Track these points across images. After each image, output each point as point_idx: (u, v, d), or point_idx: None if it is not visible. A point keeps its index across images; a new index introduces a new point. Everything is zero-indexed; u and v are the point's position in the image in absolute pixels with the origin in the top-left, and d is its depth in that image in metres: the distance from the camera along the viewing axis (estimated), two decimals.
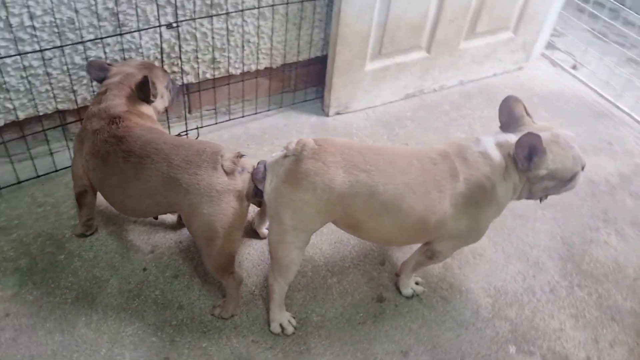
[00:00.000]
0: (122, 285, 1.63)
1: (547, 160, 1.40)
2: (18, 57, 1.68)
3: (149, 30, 1.83)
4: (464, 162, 1.45)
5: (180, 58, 1.95)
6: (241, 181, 1.45)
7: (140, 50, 1.87)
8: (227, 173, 1.43)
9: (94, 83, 1.86)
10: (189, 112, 2.17)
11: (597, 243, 1.97)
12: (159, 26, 1.81)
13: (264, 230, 1.81)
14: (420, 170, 1.42)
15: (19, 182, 1.87)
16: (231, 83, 2.14)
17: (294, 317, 1.60)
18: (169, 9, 1.82)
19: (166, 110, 1.85)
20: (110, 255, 1.71)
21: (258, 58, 2.13)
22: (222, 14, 1.92)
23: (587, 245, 1.96)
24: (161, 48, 1.88)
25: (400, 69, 2.36)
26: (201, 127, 2.15)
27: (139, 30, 1.81)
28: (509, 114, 1.49)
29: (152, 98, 1.64)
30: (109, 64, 1.67)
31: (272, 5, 2.00)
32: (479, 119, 2.43)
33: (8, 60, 1.68)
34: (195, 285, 1.66)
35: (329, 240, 1.84)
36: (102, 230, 1.78)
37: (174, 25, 1.83)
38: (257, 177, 1.46)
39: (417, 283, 1.72)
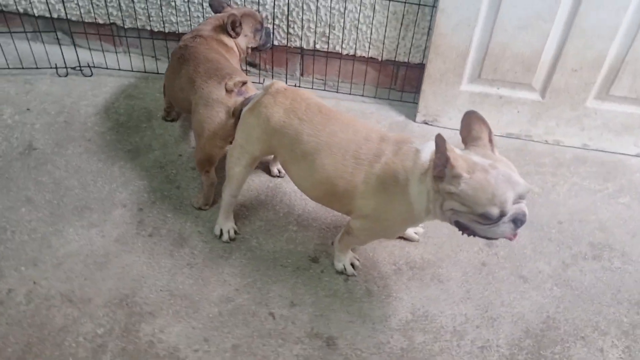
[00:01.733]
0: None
1: (460, 181, 1.33)
2: None
3: None
4: (396, 150, 1.49)
5: (288, 21, 2.37)
6: (233, 101, 1.80)
7: (265, 6, 2.36)
8: (226, 90, 1.80)
9: None
10: (302, 74, 2.57)
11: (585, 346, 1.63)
12: None
13: (274, 169, 2.10)
14: (348, 139, 1.53)
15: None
16: (343, 59, 2.45)
17: (236, 232, 1.87)
18: None
19: (259, 54, 2.31)
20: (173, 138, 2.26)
21: (369, 46, 2.38)
22: None
23: (571, 342, 1.64)
24: (274, 5, 2.33)
25: (504, 103, 2.28)
26: (299, 86, 2.52)
27: None
28: (468, 131, 1.45)
29: (232, 33, 2.10)
30: (227, 4, 2.21)
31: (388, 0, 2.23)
32: (570, 186, 2.16)
33: None
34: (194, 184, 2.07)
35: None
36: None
37: None
38: (245, 103, 1.78)
39: (352, 264, 1.78)
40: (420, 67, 2.38)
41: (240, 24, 2.12)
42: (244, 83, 1.82)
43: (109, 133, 2.25)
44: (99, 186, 2.02)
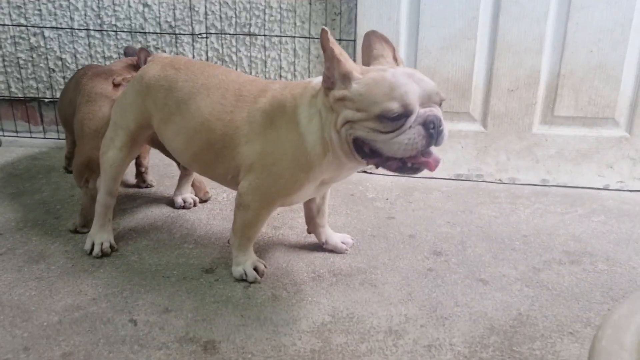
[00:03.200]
0: None
1: (352, 81, 1.08)
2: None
3: (193, 39, 2.25)
4: (285, 85, 1.24)
5: None
6: (118, 94, 1.58)
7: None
8: (114, 84, 1.59)
9: None
10: None
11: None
12: (192, 34, 2.21)
13: (179, 199, 1.77)
14: (231, 79, 1.29)
15: None
16: None
17: (112, 247, 1.46)
18: (213, 30, 2.23)
19: None
20: None
21: None
22: (247, 34, 2.20)
23: (555, 338, 1.16)
24: (193, 56, 2.25)
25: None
26: None
27: (171, 34, 2.25)
28: (369, 52, 1.22)
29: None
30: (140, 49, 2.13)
31: (310, 38, 2.17)
32: (533, 210, 1.82)
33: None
34: None
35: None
36: None
37: (203, 35, 2.20)
38: None
39: (256, 269, 1.35)
40: None
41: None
42: (128, 80, 1.62)
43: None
44: None
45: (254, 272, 1.33)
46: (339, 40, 2.17)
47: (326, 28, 1.07)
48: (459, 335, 1.15)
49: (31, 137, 2.41)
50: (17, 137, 2.40)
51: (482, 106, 2.03)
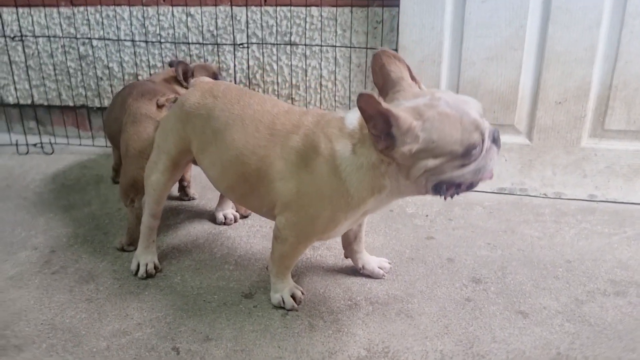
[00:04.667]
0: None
1: (416, 132, 1.05)
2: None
3: (235, 48, 2.27)
4: (317, 120, 1.24)
5: (250, 84, 2.29)
6: (164, 116, 1.61)
7: (229, 71, 2.31)
8: (157, 106, 1.63)
9: None
10: None
11: None
12: (233, 44, 2.23)
13: (220, 215, 1.80)
14: (265, 111, 1.29)
15: None
16: None
17: (156, 267, 1.52)
18: (254, 39, 2.24)
19: None
20: None
21: (335, 105, 2.24)
22: (288, 44, 2.20)
23: None
24: (234, 64, 2.27)
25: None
26: None
27: (213, 44, 2.27)
28: (384, 75, 1.20)
29: (184, 82, 2.01)
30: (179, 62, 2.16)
31: (351, 47, 2.15)
32: (579, 230, 1.77)
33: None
34: None
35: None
36: None
37: (244, 45, 2.21)
38: None
39: (293, 296, 1.37)
40: None
41: (193, 73, 2.04)
42: (177, 99, 1.65)
43: (48, 193, 2.04)
44: (16, 233, 1.74)
45: (292, 300, 1.36)
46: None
47: (371, 93, 1.01)
48: None
49: (80, 145, 2.50)
50: (68, 144, 2.50)
51: (527, 119, 1.97)
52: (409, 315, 1.34)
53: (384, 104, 1.02)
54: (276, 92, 2.30)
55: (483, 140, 1.05)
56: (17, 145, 2.46)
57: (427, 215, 1.88)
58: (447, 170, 1.08)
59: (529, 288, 1.46)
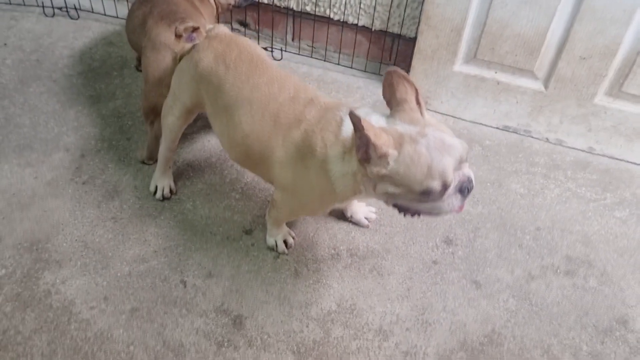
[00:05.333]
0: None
1: (388, 159, 1.13)
2: None
3: None
4: (319, 117, 1.30)
5: None
6: (181, 47, 1.65)
7: None
8: (175, 34, 1.65)
9: None
10: (292, 39, 2.39)
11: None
12: None
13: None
14: (271, 95, 1.35)
15: None
16: (331, 25, 2.26)
17: (172, 191, 1.73)
18: None
19: (245, 11, 2.15)
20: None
21: (359, 13, 2.18)
22: None
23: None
24: None
25: (501, 90, 2.02)
26: (285, 50, 2.35)
27: None
28: (391, 92, 1.24)
29: None
30: None
31: None
32: (562, 191, 1.89)
33: None
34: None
35: None
36: None
37: None
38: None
39: (285, 241, 1.60)
40: (415, 41, 2.15)
41: None
42: (196, 29, 1.66)
43: (77, 77, 2.16)
44: (49, 127, 1.93)
45: (283, 245, 1.60)
46: None
47: (355, 112, 1.09)
48: (434, 346, 1.43)
49: (105, 15, 2.50)
50: (92, 11, 2.50)
51: (548, 67, 1.93)
52: (380, 273, 1.59)
53: (369, 128, 1.10)
54: None
55: (446, 189, 1.14)
56: (43, 7, 2.47)
57: None
58: (406, 199, 1.19)
59: (492, 256, 1.66)
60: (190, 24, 1.65)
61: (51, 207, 1.67)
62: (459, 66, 2.04)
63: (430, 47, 2.02)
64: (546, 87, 1.97)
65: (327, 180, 1.28)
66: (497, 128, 2.12)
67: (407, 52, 2.22)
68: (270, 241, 1.61)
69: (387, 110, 1.25)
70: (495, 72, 2.01)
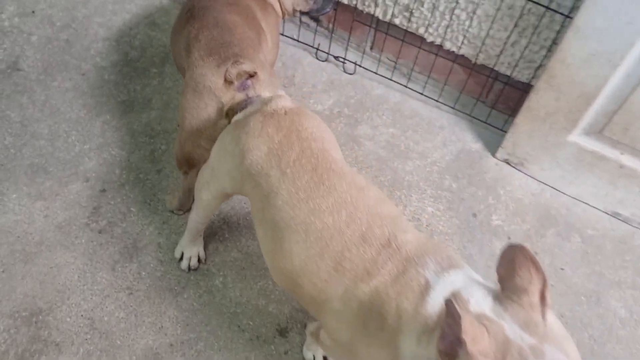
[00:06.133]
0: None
1: None
2: None
3: None
4: (398, 273, 0.96)
5: None
6: (230, 96, 1.29)
7: None
8: (225, 79, 1.28)
9: None
10: (371, 47, 1.96)
11: None
12: None
13: None
14: (336, 227, 1.01)
15: None
16: (424, 46, 1.81)
17: (200, 260, 1.45)
18: None
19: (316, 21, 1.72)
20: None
21: (462, 41, 1.72)
22: None
23: None
24: None
25: (623, 175, 1.60)
26: (360, 65, 1.92)
27: None
28: (510, 272, 0.88)
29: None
30: None
31: None
32: None
33: None
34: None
35: None
36: None
37: None
38: (244, 105, 1.27)
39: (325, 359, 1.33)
40: (526, 87, 1.71)
41: None
42: (252, 75, 1.29)
43: (110, 70, 1.82)
44: (70, 142, 1.63)
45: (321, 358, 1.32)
46: (546, 7, 1.50)
47: (454, 304, 0.77)
48: None
49: None
50: None
51: None
52: None
53: (467, 325, 0.78)
54: None
55: None
56: None
57: (509, 238, 1.63)
58: None
59: None
60: (246, 66, 1.28)
61: (59, 263, 1.41)
62: (576, 137, 1.60)
63: (546, 108, 1.58)
64: None
65: (392, 355, 0.97)
66: (605, 213, 1.71)
67: (511, 97, 1.78)
68: (309, 355, 1.33)
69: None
70: (621, 154, 1.57)
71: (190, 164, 1.42)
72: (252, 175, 1.09)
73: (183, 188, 1.49)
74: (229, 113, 1.30)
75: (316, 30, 2.00)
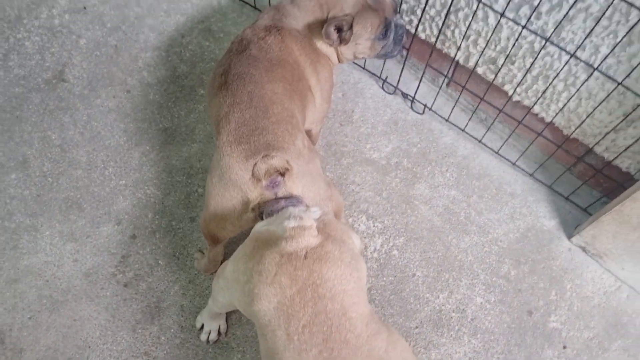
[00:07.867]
0: None
1: None
2: None
3: None
4: None
5: (445, 19, 1.43)
6: (257, 194, 1.14)
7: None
8: (252, 174, 1.13)
9: None
10: (447, 84, 1.68)
11: None
12: None
13: None
14: None
15: None
16: (504, 109, 1.52)
17: (220, 333, 1.38)
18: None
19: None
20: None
21: (556, 112, 1.42)
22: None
23: None
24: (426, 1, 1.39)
25: None
26: (430, 108, 1.67)
27: None
28: None
29: (330, 41, 1.30)
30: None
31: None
32: None
33: None
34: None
35: None
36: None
37: None
38: (268, 208, 1.13)
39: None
40: (623, 175, 1.41)
41: (352, 27, 1.29)
42: (283, 173, 1.13)
43: (155, 88, 1.69)
44: (106, 175, 1.57)
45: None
46: None
47: None
48: None
49: None
50: None
51: None
52: None
53: None
54: (480, 47, 1.44)
55: None
56: None
57: (564, 347, 1.43)
58: None
59: None
60: (277, 161, 1.12)
61: (83, 316, 1.40)
62: None
63: (638, 215, 1.31)
64: None
65: None
66: None
67: (602, 179, 1.49)
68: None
69: None
70: None
71: (215, 241, 1.32)
72: (259, 322, 0.98)
73: (208, 257, 1.40)
74: (254, 209, 1.16)
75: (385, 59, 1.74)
